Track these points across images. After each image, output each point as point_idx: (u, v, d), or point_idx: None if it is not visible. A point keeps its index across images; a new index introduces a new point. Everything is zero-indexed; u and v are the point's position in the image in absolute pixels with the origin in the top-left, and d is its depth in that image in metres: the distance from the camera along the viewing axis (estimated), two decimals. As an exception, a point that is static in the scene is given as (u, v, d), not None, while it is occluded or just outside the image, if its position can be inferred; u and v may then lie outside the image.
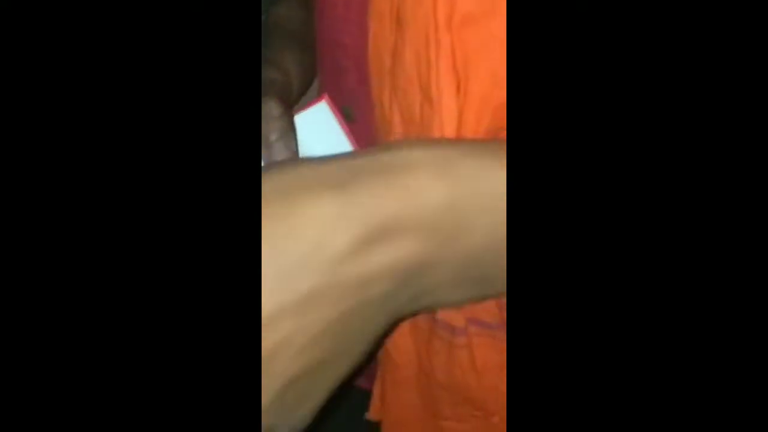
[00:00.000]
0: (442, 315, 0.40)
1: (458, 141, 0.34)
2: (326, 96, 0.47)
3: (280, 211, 0.27)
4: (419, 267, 0.28)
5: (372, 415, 0.48)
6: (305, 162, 0.29)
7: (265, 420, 0.28)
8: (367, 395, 0.49)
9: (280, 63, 0.48)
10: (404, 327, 0.43)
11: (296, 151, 0.46)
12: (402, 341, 0.43)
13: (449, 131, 0.35)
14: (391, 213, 0.27)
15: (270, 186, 0.28)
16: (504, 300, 0.37)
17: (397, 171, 0.28)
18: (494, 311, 0.39)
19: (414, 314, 0.33)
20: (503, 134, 0.35)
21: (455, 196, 0.28)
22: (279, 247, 0.26)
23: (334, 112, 0.47)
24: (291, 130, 0.45)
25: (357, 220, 0.27)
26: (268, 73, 0.47)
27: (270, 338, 0.27)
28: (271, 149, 0.45)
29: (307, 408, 0.30)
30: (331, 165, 0.29)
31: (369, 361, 0.32)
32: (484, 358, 0.40)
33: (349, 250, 0.27)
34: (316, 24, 0.49)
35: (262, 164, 0.45)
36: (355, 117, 0.47)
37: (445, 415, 0.44)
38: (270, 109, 0.43)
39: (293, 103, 0.51)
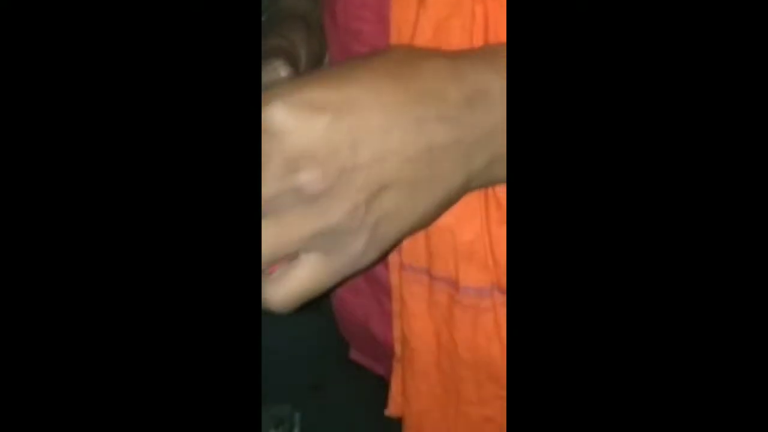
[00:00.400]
0: (466, 282, 0.40)
1: None
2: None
3: (407, 60, 0.35)
4: (501, 130, 0.34)
5: (392, 411, 0.47)
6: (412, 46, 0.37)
7: (351, 222, 0.33)
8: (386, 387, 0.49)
9: (286, 35, 0.47)
10: (422, 308, 0.42)
11: None
12: (420, 325, 0.43)
13: None
14: (489, 83, 0.34)
15: (395, 51, 0.36)
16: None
17: (493, 55, 0.35)
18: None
19: (481, 187, 0.37)
20: None
21: None
22: (406, 82, 0.34)
23: None
24: None
25: (465, 80, 0.34)
26: (273, 41, 0.45)
27: (387, 141, 0.33)
28: None
29: (392, 226, 0.34)
30: (438, 51, 0.36)
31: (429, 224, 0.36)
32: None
33: (458, 97, 0.34)
34: (327, 11, 0.48)
35: None
36: None
37: (468, 398, 0.43)
38: (277, 68, 0.41)
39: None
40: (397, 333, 0.44)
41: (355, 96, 0.33)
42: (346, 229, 0.33)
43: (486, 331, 0.41)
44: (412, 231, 0.36)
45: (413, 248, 0.41)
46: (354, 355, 0.55)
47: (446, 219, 0.39)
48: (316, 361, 0.63)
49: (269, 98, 0.32)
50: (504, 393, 0.42)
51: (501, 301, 0.40)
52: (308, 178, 0.32)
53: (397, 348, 0.45)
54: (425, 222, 0.36)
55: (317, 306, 0.64)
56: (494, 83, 0.34)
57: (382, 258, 0.36)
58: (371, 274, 0.48)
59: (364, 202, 0.33)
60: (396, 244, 0.36)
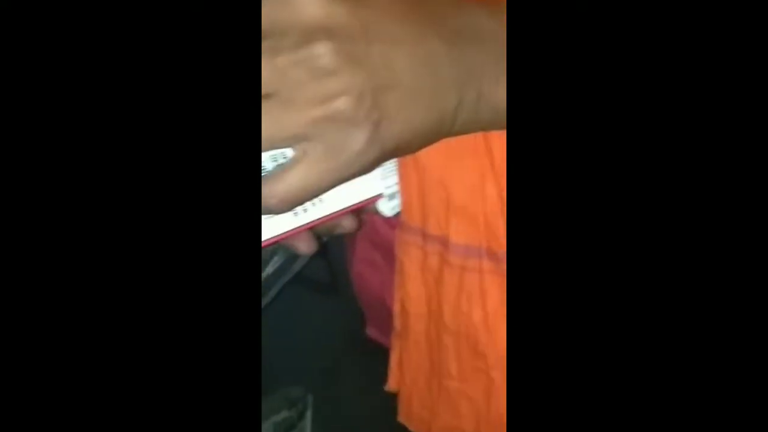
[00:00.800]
0: (456, 239, 0.40)
1: None
2: None
3: None
4: (487, 73, 0.35)
5: (391, 385, 0.47)
6: None
7: (356, 111, 0.33)
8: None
9: None
10: (417, 273, 0.42)
11: None
12: (414, 291, 0.43)
13: None
14: (483, 25, 0.36)
15: None
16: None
17: (490, 8, 0.37)
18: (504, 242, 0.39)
19: (466, 128, 0.37)
20: None
21: None
22: (415, 1, 0.35)
23: None
24: None
25: (462, 16, 0.36)
26: None
27: (396, 43, 0.34)
28: None
29: (392, 128, 0.34)
30: None
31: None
32: (492, 292, 0.40)
33: (455, 25, 0.35)
34: None
35: None
36: None
37: (450, 372, 0.42)
38: None
39: None
40: (397, 307, 0.44)
41: None
42: (350, 119, 0.33)
43: (469, 293, 0.40)
44: (407, 144, 0.36)
45: (410, 205, 0.41)
46: (370, 331, 0.56)
47: (440, 172, 0.39)
48: (329, 345, 0.65)
49: None
50: (482, 366, 0.41)
51: (488, 267, 0.40)
52: (323, 49, 0.32)
53: (397, 322, 0.45)
54: (419, 138, 0.36)
55: (335, 290, 0.66)
56: (487, 27, 0.36)
57: (380, 161, 0.36)
58: (389, 249, 0.48)
59: (370, 93, 0.33)
60: (392, 155, 0.36)
